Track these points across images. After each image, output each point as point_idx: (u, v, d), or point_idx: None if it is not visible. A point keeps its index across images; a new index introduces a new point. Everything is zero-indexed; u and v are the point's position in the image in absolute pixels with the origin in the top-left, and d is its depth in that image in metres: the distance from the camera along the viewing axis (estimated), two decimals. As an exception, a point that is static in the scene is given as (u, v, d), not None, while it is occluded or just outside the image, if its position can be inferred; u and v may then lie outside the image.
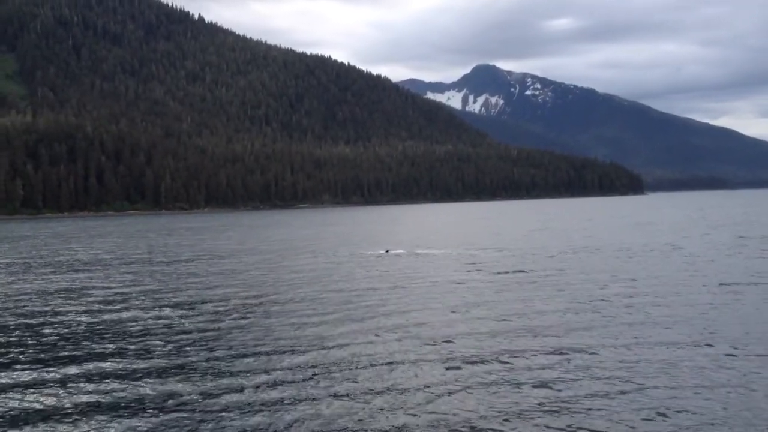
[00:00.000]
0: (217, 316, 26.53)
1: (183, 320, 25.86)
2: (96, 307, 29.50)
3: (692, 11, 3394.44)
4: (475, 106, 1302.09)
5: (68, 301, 31.17)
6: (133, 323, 25.44)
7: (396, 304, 28.38)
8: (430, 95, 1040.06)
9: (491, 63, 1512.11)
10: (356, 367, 18.57)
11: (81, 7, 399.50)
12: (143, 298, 31.81)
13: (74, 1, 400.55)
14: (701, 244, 54.40)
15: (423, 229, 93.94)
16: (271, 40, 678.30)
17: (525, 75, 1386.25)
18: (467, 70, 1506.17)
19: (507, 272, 38.08)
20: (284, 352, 20.33)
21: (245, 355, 20.07)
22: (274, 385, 17.09)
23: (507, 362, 18.74)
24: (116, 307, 29.18)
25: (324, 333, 23.05)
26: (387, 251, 52.59)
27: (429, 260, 46.14)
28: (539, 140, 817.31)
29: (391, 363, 18.88)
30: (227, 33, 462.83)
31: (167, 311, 27.88)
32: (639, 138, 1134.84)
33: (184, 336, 22.91)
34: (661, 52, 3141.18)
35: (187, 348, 21.13)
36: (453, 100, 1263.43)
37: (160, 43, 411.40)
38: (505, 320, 24.45)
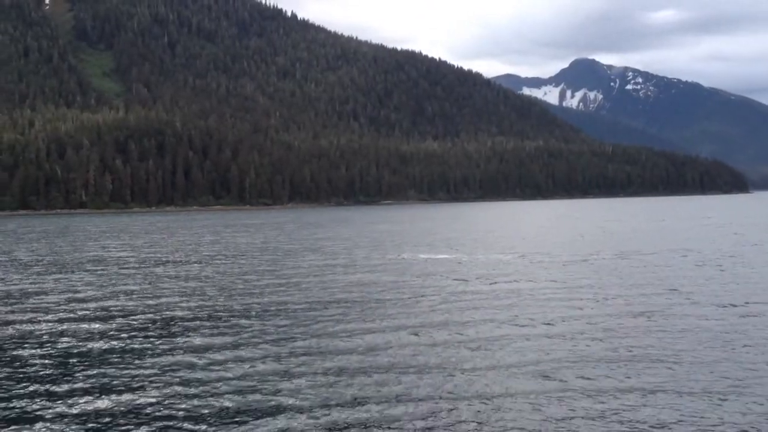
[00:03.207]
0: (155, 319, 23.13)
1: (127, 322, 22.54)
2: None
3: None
4: (573, 102, 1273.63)
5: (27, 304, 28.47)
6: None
7: (339, 318, 24.56)
8: (527, 90, 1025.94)
9: (590, 57, 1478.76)
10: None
11: (177, 5, 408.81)
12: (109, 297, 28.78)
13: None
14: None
15: (480, 229, 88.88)
16: (367, 37, 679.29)
17: (626, 69, 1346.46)
18: (565, 64, 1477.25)
19: (505, 281, 33.28)
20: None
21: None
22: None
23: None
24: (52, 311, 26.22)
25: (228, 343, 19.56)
26: (402, 256, 48.17)
27: (440, 265, 41.57)
28: (640, 136, 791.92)
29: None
30: (318, 29, 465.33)
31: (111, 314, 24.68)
32: (746, 134, 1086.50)
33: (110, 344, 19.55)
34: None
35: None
36: (550, 95, 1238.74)
37: (253, 40, 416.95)
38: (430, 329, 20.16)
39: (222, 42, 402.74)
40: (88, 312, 27.62)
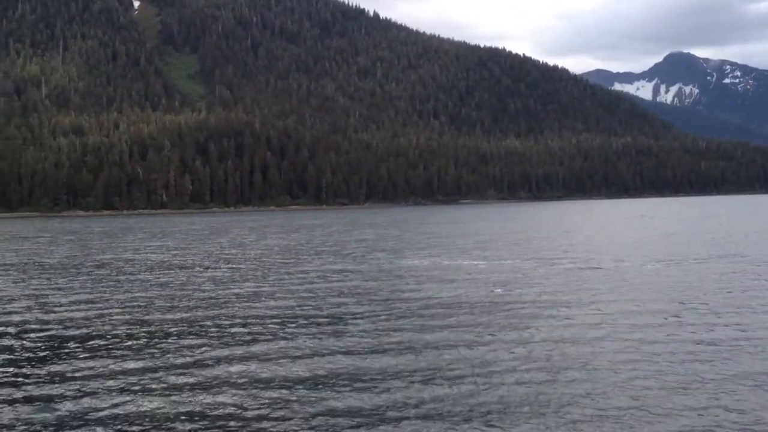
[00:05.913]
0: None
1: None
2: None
3: None
4: (668, 97, 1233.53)
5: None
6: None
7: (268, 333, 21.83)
8: (618, 86, 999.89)
9: (685, 50, 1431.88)
10: None
11: (260, 8, 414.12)
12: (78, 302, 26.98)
13: (254, 2, 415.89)
14: None
15: (532, 230, 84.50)
16: (455, 35, 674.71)
17: (723, 62, 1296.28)
18: (659, 58, 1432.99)
19: (489, 290, 29.85)
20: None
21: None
22: None
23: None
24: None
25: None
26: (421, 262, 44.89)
27: (447, 271, 38.19)
28: (738, 132, 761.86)
29: None
30: (400, 28, 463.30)
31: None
32: None
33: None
34: None
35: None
36: (643, 90, 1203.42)
37: (334, 40, 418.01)
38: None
39: (304, 43, 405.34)
40: (39, 316, 25.87)
